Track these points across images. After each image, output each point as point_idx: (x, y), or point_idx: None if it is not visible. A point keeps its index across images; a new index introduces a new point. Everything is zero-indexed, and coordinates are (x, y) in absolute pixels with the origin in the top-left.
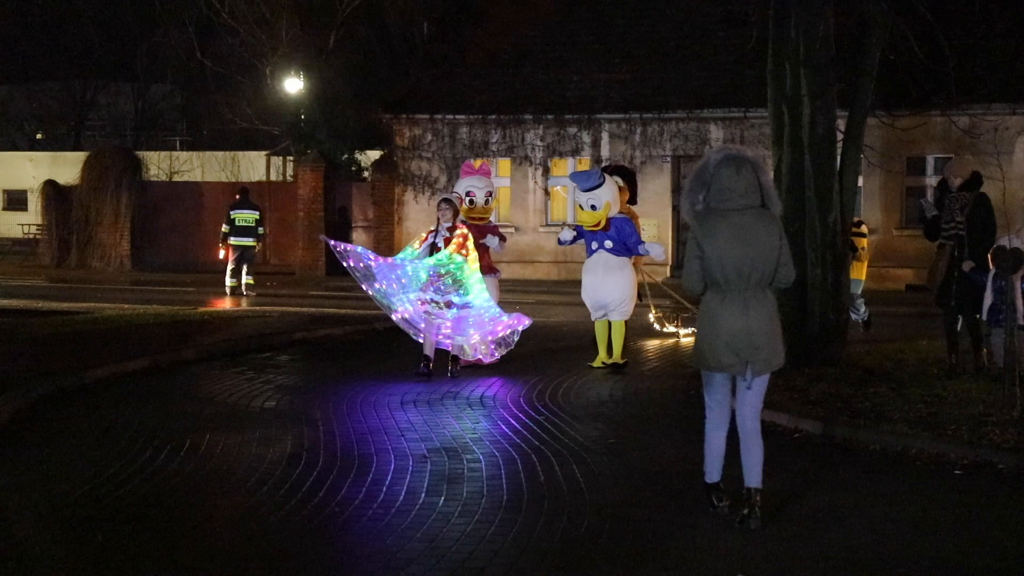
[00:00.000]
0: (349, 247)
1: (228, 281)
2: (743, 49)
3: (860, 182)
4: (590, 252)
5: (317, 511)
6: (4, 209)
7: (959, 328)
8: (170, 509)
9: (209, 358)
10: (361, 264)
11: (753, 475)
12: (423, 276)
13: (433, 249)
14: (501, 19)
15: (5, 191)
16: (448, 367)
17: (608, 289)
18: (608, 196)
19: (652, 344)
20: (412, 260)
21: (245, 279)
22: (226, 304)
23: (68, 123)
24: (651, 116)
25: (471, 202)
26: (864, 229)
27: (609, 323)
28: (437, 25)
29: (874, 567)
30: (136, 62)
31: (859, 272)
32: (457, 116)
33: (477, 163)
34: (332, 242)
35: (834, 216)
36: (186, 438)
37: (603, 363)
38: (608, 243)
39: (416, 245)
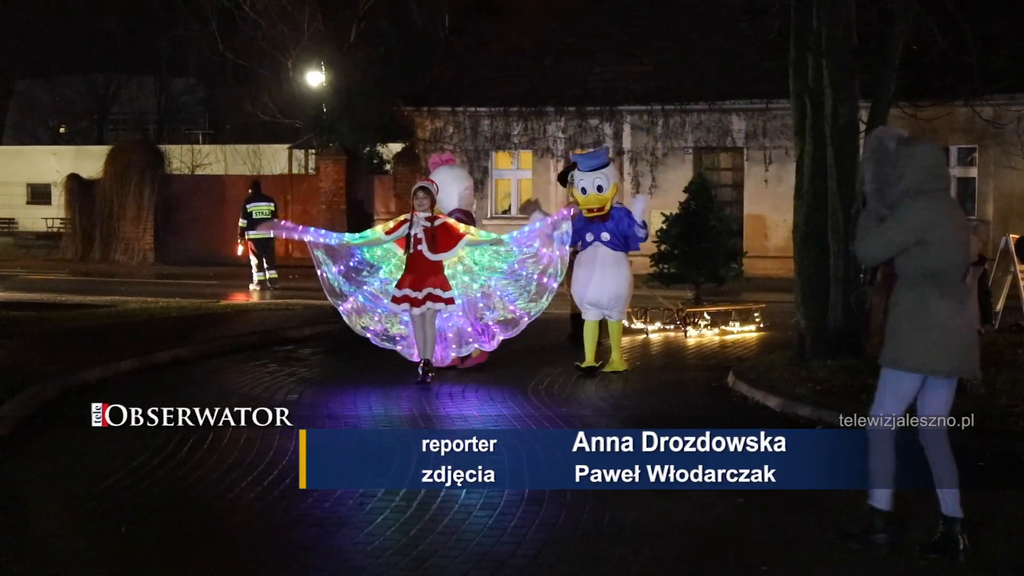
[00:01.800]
0: (302, 228)
1: (256, 276)
2: (765, 40)
3: None
4: (585, 245)
5: (339, 503)
6: (28, 203)
7: None
8: (192, 501)
9: (232, 351)
10: (321, 242)
11: (951, 501)
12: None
13: (409, 241)
14: (523, 11)
15: (29, 185)
16: (421, 373)
17: (604, 286)
18: (615, 177)
19: (627, 340)
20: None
21: (268, 273)
22: (248, 298)
23: (91, 117)
24: (673, 108)
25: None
26: None
27: (600, 324)
28: (459, 17)
29: (896, 560)
30: (159, 56)
31: None
32: (479, 109)
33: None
34: (283, 230)
35: (857, 207)
36: (208, 431)
37: (591, 366)
38: (605, 235)
39: (380, 230)
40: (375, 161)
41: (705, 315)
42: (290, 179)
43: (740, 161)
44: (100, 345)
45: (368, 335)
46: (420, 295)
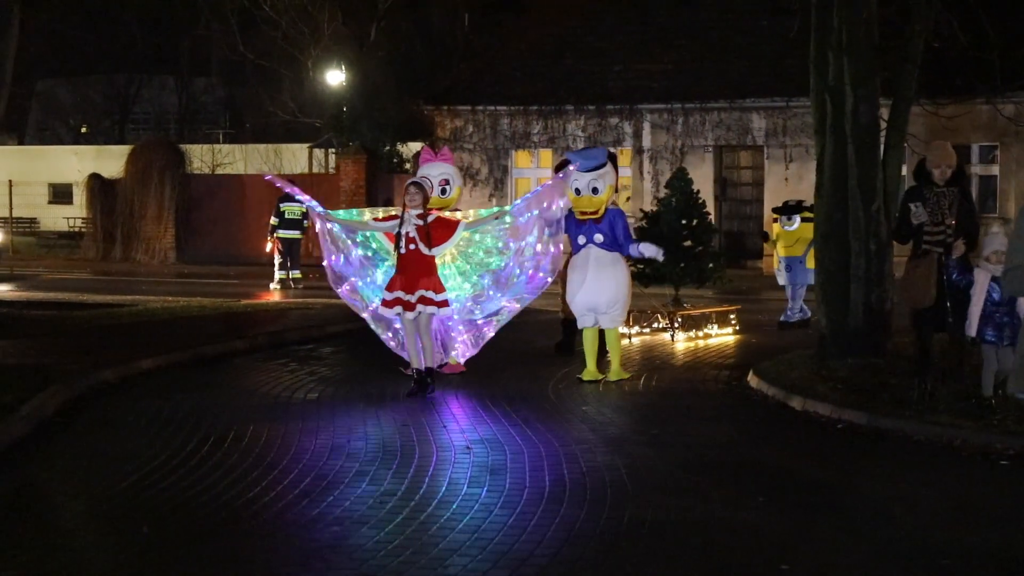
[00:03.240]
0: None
1: (278, 274)
2: (786, 38)
3: (904, 171)
4: (576, 248)
5: (360, 502)
6: (50, 203)
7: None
8: (214, 500)
9: (253, 350)
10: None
11: None
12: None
13: (400, 240)
14: (542, 10)
15: (50, 185)
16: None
17: (599, 289)
18: (611, 179)
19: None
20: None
21: (292, 273)
22: (270, 297)
23: (112, 117)
24: (693, 106)
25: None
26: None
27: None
28: (478, 16)
29: (919, 558)
30: (179, 56)
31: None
32: (498, 107)
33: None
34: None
35: (877, 205)
36: (230, 429)
37: (594, 378)
38: (599, 236)
39: (368, 215)
40: (395, 160)
41: (678, 317)
42: (310, 178)
43: (760, 159)
44: (121, 344)
45: (367, 315)
46: (412, 298)
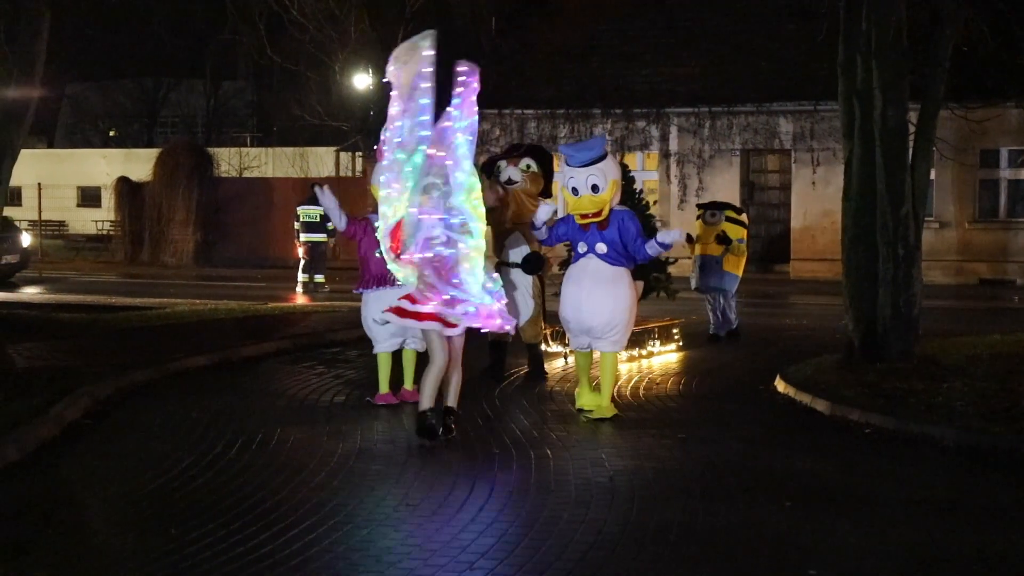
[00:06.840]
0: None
1: (300, 277)
2: (813, 41)
3: (932, 175)
4: (576, 257)
5: (388, 504)
6: (78, 205)
7: None
8: (241, 502)
9: (279, 353)
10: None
11: None
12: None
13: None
14: (569, 13)
15: (79, 188)
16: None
17: (595, 308)
18: (614, 174)
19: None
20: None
21: (316, 277)
22: (296, 300)
23: (141, 120)
24: (720, 110)
25: None
26: (744, 218)
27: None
28: (505, 19)
29: (947, 564)
30: (207, 60)
31: (737, 267)
32: (525, 111)
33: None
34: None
35: (906, 209)
36: (258, 432)
37: (585, 408)
38: (602, 246)
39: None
40: None
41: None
42: (337, 182)
43: (788, 163)
44: (150, 346)
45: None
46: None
